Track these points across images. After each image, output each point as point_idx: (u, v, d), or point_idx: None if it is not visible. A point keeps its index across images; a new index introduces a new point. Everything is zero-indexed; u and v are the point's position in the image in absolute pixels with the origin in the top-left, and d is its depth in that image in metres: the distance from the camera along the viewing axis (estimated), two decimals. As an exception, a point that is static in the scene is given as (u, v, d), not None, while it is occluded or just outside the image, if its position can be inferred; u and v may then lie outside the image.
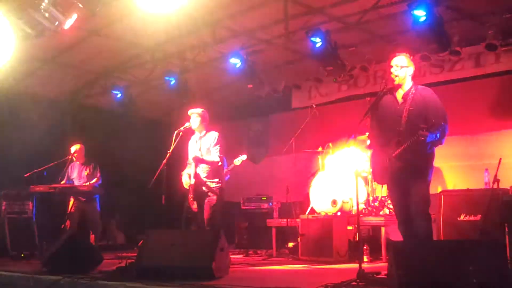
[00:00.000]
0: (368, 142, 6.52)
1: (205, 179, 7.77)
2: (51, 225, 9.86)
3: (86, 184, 9.72)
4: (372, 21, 9.63)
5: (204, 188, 7.75)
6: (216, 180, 7.81)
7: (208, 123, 8.02)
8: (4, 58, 8.60)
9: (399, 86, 6.01)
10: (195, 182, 7.68)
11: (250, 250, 10.26)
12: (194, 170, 7.73)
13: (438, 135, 5.61)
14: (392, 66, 6.04)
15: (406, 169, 5.78)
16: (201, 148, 7.88)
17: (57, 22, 8.19)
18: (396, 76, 5.97)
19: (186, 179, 7.83)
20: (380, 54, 10.34)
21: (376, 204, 8.75)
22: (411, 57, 6.17)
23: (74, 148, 9.99)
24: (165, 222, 7.93)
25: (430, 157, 5.87)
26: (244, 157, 9.73)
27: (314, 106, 9.89)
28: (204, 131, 7.96)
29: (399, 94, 6.00)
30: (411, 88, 5.96)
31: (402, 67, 5.98)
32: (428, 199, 5.83)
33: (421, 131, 5.52)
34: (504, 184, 7.66)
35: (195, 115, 7.93)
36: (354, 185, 5.93)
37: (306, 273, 7.08)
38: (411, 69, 6.03)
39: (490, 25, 9.29)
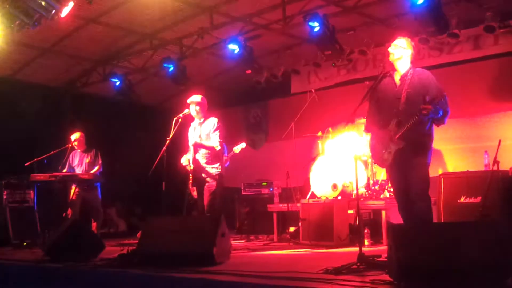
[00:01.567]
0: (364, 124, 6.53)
1: (204, 165, 7.76)
2: (52, 213, 9.89)
3: (88, 173, 9.74)
4: (370, 5, 9.61)
5: (203, 174, 7.75)
6: (216, 165, 7.80)
7: (207, 109, 8.01)
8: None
9: (394, 68, 6.01)
10: (194, 167, 7.68)
11: (251, 235, 10.29)
12: (193, 156, 7.73)
13: (440, 112, 5.63)
14: (390, 46, 6.05)
15: (408, 149, 5.78)
16: (201, 134, 7.86)
17: (53, 10, 8.17)
18: (391, 54, 5.98)
19: (185, 160, 7.82)
20: (378, 38, 10.33)
21: (377, 187, 8.76)
22: (413, 43, 6.15)
23: (74, 136, 9.97)
24: (165, 209, 7.93)
25: (429, 138, 5.88)
26: (243, 145, 9.74)
27: (313, 91, 9.87)
28: (203, 118, 7.95)
29: (397, 77, 6.01)
30: (408, 70, 5.97)
31: (400, 47, 5.99)
32: (427, 181, 5.84)
33: (423, 105, 5.54)
34: (504, 166, 7.68)
35: (193, 104, 7.90)
36: (354, 169, 5.91)
37: (307, 257, 7.10)
38: (408, 52, 6.01)
39: (488, 7, 9.28)
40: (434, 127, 5.92)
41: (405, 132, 5.76)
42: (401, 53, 5.98)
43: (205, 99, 8.00)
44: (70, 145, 9.96)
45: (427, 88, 5.79)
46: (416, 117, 5.64)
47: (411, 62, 6.07)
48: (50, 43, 10.92)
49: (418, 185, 5.80)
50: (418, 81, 5.87)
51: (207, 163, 7.79)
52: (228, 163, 9.27)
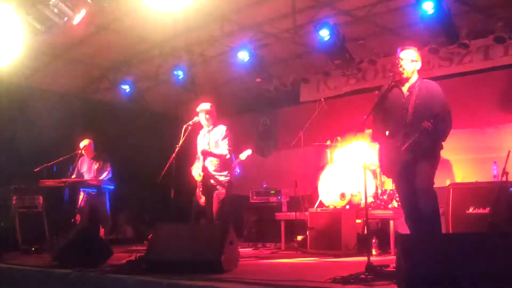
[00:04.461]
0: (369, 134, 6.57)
1: (213, 173, 7.80)
2: (61, 219, 9.92)
3: (96, 179, 9.79)
4: (380, 14, 9.61)
5: (212, 181, 7.79)
6: (225, 173, 7.84)
7: (216, 117, 8.05)
8: (13, 53, 8.64)
9: (406, 79, 6.03)
10: (203, 175, 7.71)
11: (259, 243, 10.28)
12: (203, 164, 7.77)
13: (440, 133, 5.68)
14: (400, 59, 6.06)
15: (414, 161, 5.81)
16: (210, 142, 7.91)
17: (66, 18, 8.24)
18: (404, 69, 6.00)
19: (196, 173, 7.86)
20: (388, 48, 10.33)
21: (385, 197, 8.75)
22: (419, 52, 6.19)
23: (82, 143, 10.04)
24: (174, 216, 7.94)
25: (438, 147, 5.89)
26: (249, 151, 9.73)
27: (322, 99, 9.89)
28: (212, 126, 7.99)
29: (405, 87, 6.04)
30: (416, 81, 6.01)
31: (412, 61, 6.03)
32: (431, 177, 5.86)
33: (426, 123, 5.58)
34: (513, 177, 7.65)
35: (203, 112, 7.95)
36: (363, 179, 5.93)
37: (315, 266, 7.09)
38: (419, 64, 6.10)
39: (499, 18, 9.27)
40: None
41: (412, 144, 5.77)
42: (413, 66, 6.02)
43: (214, 107, 8.04)
44: (79, 152, 10.02)
45: (434, 102, 5.82)
46: (419, 134, 5.68)
47: (418, 72, 6.10)
48: (62, 49, 10.98)
49: (422, 181, 5.82)
50: (426, 93, 5.90)
51: (216, 170, 7.83)
52: (238, 170, 9.29)
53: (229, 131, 7.96)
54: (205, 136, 8.02)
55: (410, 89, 5.99)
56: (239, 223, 10.11)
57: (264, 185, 10.98)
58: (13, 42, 8.38)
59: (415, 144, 5.77)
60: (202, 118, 7.92)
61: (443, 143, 5.95)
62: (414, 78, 6.04)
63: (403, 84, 6.06)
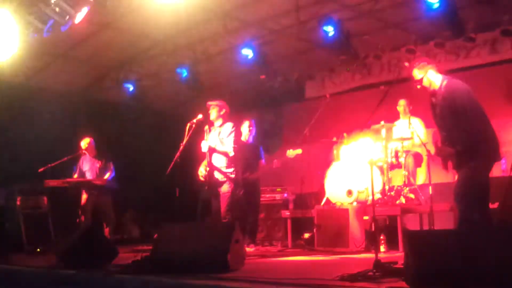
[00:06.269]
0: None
1: (219, 170, 7.75)
2: (66, 219, 9.91)
3: (101, 178, 9.76)
4: (385, 9, 9.55)
5: (218, 178, 7.74)
6: (231, 170, 7.79)
7: (228, 114, 8.00)
8: (10, 50, 8.60)
9: (427, 89, 6.13)
10: (209, 172, 7.66)
11: (265, 241, 10.23)
12: (209, 161, 7.72)
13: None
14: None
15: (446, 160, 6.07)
16: (216, 139, 7.86)
17: (67, 16, 8.19)
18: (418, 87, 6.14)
19: (202, 171, 7.81)
20: (393, 42, 10.28)
21: (392, 193, 8.68)
22: (423, 63, 6.16)
23: (83, 143, 9.98)
24: (179, 215, 7.89)
25: (462, 155, 5.93)
26: (299, 151, 9.61)
27: (327, 96, 9.82)
28: (221, 122, 7.95)
29: (434, 92, 6.12)
30: (441, 83, 6.05)
31: (415, 81, 6.12)
32: (462, 185, 5.98)
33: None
34: (522, 172, 7.57)
35: (213, 106, 7.92)
36: (370, 175, 5.87)
37: (322, 264, 7.04)
38: (425, 79, 6.09)
39: (505, 11, 9.18)
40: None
41: (441, 148, 6.00)
42: (419, 84, 6.09)
43: (226, 104, 8.01)
44: (81, 152, 9.98)
45: (442, 108, 5.96)
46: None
47: (441, 73, 6.12)
48: (64, 49, 10.95)
49: (456, 187, 5.99)
50: (442, 97, 5.96)
51: (222, 168, 7.77)
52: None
53: (235, 129, 7.92)
54: (212, 133, 7.96)
55: (435, 93, 6.07)
56: (254, 226, 9.98)
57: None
58: (10, 39, 8.35)
59: (439, 152, 6.02)
60: (211, 111, 7.89)
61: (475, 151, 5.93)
62: (435, 85, 6.07)
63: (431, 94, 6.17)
